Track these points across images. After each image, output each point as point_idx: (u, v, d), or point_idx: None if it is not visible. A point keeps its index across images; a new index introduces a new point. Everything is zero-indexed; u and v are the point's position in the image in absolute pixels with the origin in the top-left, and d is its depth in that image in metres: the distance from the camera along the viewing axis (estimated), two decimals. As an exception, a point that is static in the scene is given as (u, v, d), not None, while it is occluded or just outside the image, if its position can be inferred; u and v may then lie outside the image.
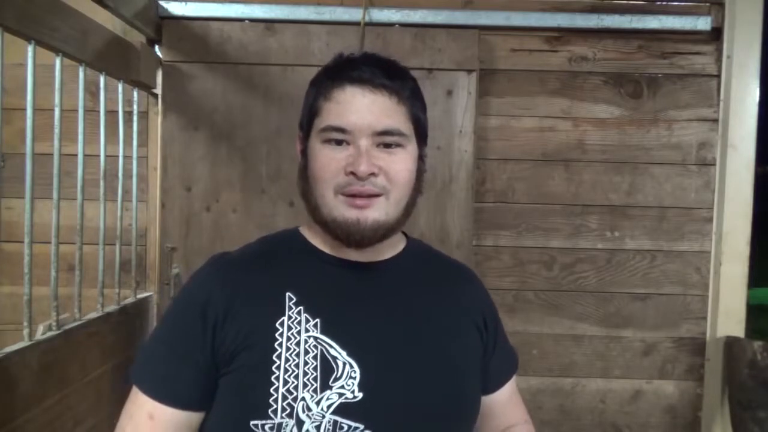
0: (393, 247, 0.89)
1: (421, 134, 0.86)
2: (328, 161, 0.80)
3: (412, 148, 0.84)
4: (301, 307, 0.81)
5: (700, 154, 1.89)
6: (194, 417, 0.80)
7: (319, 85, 0.85)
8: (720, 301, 1.86)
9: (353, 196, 0.79)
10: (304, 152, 0.85)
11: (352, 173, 0.78)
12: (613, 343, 1.89)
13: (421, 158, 0.86)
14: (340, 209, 0.80)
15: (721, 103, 1.87)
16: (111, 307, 1.58)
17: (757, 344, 1.75)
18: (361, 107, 0.80)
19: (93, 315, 1.48)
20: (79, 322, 1.40)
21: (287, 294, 0.81)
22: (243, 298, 0.81)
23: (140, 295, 1.77)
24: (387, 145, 0.81)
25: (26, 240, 1.21)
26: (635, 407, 1.91)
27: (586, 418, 1.91)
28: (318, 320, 0.80)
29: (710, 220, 1.89)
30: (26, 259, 1.21)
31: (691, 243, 1.89)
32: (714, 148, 1.89)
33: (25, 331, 1.20)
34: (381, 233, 0.81)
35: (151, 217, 1.85)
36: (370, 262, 0.86)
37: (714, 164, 1.88)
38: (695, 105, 1.89)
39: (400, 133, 0.81)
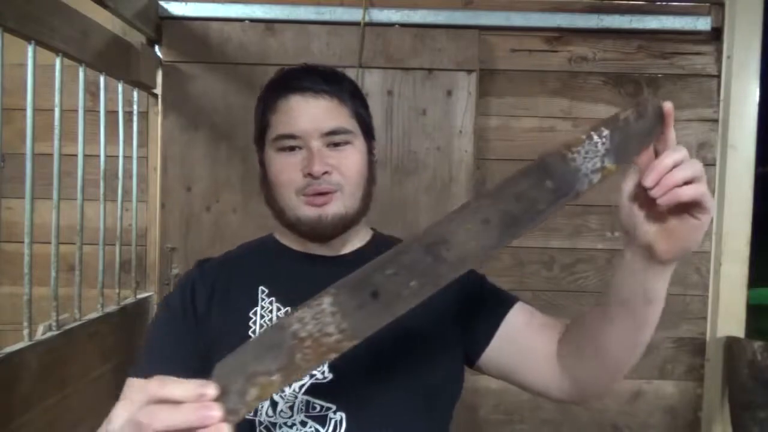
0: (358, 240, 0.96)
1: (366, 129, 0.94)
2: (285, 167, 0.88)
3: (359, 143, 0.91)
4: (273, 298, 0.88)
5: (700, 154, 1.89)
6: None
7: (265, 100, 0.93)
8: (720, 301, 1.86)
9: (312, 195, 0.86)
10: (262, 163, 0.94)
11: (309, 174, 0.85)
12: (613, 343, 1.89)
13: (370, 151, 0.94)
14: (302, 209, 0.87)
15: (721, 103, 1.87)
16: (111, 308, 1.58)
17: (757, 344, 1.75)
18: (307, 113, 0.87)
19: (93, 315, 1.48)
20: (79, 323, 1.40)
21: (260, 288, 0.89)
22: (221, 295, 0.89)
23: (140, 296, 1.77)
24: (336, 144, 0.88)
25: (26, 240, 1.21)
26: (635, 407, 1.91)
27: (585, 418, 1.91)
28: (289, 308, 0.86)
29: (710, 220, 1.88)
30: (26, 259, 1.21)
31: (691, 243, 1.89)
32: (714, 149, 1.88)
33: (25, 331, 1.20)
34: (342, 225, 0.89)
35: (151, 217, 1.85)
36: (337, 255, 0.93)
37: (714, 164, 1.88)
38: (695, 105, 1.89)
39: (345, 131, 0.88)
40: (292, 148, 0.87)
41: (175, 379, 0.51)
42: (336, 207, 0.87)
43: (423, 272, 0.58)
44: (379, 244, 0.97)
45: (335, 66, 0.98)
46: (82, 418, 1.36)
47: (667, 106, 0.63)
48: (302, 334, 0.55)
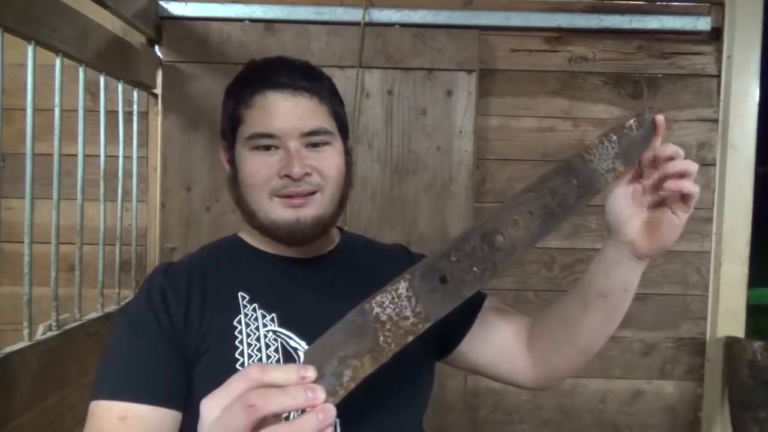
0: (331, 241, 0.94)
1: (343, 129, 0.90)
2: (260, 167, 0.83)
3: (338, 144, 0.87)
4: (255, 305, 0.83)
5: (700, 154, 1.89)
6: (167, 419, 0.77)
7: (238, 93, 0.87)
8: (720, 301, 1.86)
9: (289, 197, 0.82)
10: (232, 161, 0.88)
11: (286, 176, 0.81)
12: (612, 343, 1.89)
13: (347, 152, 0.90)
14: (278, 211, 0.83)
15: (721, 103, 1.87)
16: (111, 308, 1.58)
17: (757, 344, 1.75)
18: (285, 111, 0.82)
19: (93, 315, 1.48)
20: (79, 322, 1.40)
21: (239, 294, 0.84)
22: (198, 302, 0.83)
23: (140, 295, 1.77)
24: (315, 145, 0.84)
25: (26, 240, 1.21)
26: (635, 407, 1.91)
27: (586, 418, 1.91)
28: (274, 315, 0.83)
29: (710, 220, 1.89)
30: (26, 259, 1.21)
31: (691, 243, 1.89)
32: (714, 149, 1.89)
33: (25, 331, 1.20)
34: (321, 228, 0.85)
35: (151, 217, 1.85)
36: (313, 257, 0.90)
37: (714, 164, 1.88)
38: (695, 105, 1.89)
39: (325, 132, 0.84)
40: (267, 148, 0.83)
41: (274, 364, 0.51)
42: (315, 209, 0.83)
43: (482, 259, 0.63)
44: (351, 244, 0.97)
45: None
46: (82, 418, 1.35)
47: (660, 119, 0.73)
48: (383, 317, 0.58)
